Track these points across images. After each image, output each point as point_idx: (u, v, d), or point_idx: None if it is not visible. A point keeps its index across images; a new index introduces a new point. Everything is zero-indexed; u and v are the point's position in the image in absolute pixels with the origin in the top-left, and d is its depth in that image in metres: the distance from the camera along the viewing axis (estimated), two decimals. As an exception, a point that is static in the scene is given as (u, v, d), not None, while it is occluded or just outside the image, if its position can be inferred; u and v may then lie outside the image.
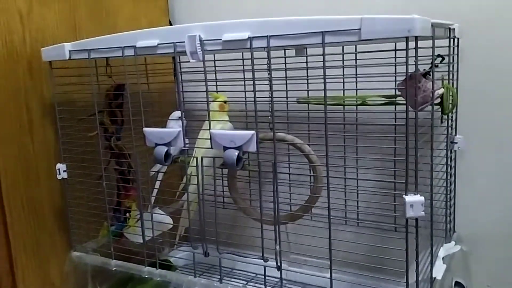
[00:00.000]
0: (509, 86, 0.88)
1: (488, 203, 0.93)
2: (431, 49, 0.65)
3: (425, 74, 0.67)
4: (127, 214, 0.93)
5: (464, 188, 0.93)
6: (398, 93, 0.76)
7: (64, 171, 0.89)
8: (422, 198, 0.58)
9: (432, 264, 0.69)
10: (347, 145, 0.88)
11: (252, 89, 0.68)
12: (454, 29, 0.80)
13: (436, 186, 0.80)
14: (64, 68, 0.86)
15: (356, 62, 0.84)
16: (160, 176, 0.89)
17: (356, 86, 0.87)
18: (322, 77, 0.63)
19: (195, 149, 0.83)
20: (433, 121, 0.66)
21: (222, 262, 0.82)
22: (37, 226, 0.90)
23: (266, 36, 0.64)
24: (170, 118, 0.89)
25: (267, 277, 0.81)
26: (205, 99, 0.74)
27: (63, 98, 0.88)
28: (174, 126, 0.82)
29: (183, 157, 0.84)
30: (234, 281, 1.00)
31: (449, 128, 0.85)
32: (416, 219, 0.60)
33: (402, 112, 0.82)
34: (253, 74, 0.68)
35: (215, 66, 0.93)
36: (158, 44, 0.73)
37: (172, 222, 0.91)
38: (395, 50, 0.80)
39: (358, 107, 0.86)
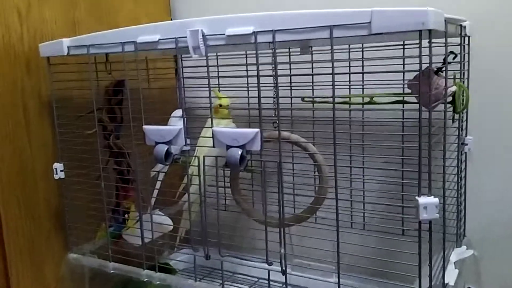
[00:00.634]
0: (521, 86, 0.85)
1: (499, 207, 0.90)
2: (439, 46, 0.62)
3: (437, 71, 0.64)
4: (126, 215, 0.90)
5: (473, 191, 0.90)
6: (407, 91, 0.74)
7: (62, 170, 0.86)
8: (437, 199, 0.55)
9: (444, 269, 0.66)
10: (354, 145, 0.85)
11: (256, 88, 0.66)
12: (465, 26, 0.77)
13: (447, 189, 0.77)
14: (62, 64, 0.84)
15: (362, 57, 0.81)
16: (161, 176, 0.86)
17: (363, 84, 0.85)
18: (328, 74, 0.61)
19: (196, 148, 0.80)
20: (446, 120, 0.63)
21: (223, 266, 0.79)
22: (33, 227, 0.87)
23: (272, 31, 0.61)
24: (172, 116, 0.86)
25: (270, 282, 0.79)
26: (207, 97, 0.72)
27: (61, 95, 0.86)
28: (176, 125, 0.80)
29: (184, 157, 0.82)
30: (235, 286, 0.97)
31: (459, 129, 0.82)
32: (430, 222, 0.57)
33: (411, 111, 0.80)
34: (258, 71, 0.65)
35: (217, 65, 0.91)
36: (159, 39, 0.70)
37: (172, 224, 0.89)
38: (404, 45, 0.79)
39: (365, 105, 0.83)
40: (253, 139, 0.66)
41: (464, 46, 0.79)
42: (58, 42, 0.79)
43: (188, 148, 0.81)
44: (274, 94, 0.73)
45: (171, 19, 1.17)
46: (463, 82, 0.80)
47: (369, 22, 0.54)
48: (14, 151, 0.83)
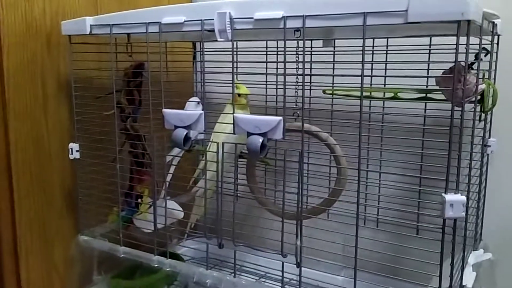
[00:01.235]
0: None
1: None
2: (472, 44, 0.60)
3: (469, 67, 0.62)
4: (139, 200, 0.89)
5: (492, 194, 0.88)
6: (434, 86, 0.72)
7: (77, 151, 0.85)
8: (464, 198, 0.54)
9: (463, 270, 0.65)
10: (373, 136, 0.84)
11: (275, 77, 0.65)
12: (497, 24, 0.75)
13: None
14: (83, 44, 0.83)
15: (387, 51, 0.79)
16: (176, 161, 0.85)
17: (385, 79, 0.83)
18: (352, 68, 0.59)
19: (213, 134, 0.79)
20: (475, 118, 0.62)
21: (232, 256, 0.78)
22: (45, 205, 0.86)
23: (302, 16, 0.60)
24: (189, 100, 0.85)
25: (280, 274, 0.77)
26: (228, 81, 0.70)
27: (80, 75, 0.85)
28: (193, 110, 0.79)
29: (200, 145, 0.81)
30: (245, 275, 0.96)
31: (484, 130, 0.80)
32: (455, 220, 0.55)
33: (435, 107, 0.79)
34: (285, 57, 0.64)
35: (237, 49, 0.89)
36: (185, 21, 0.69)
37: (183, 213, 0.88)
38: (430, 39, 0.77)
39: (388, 100, 0.82)
40: (276, 127, 0.65)
41: (494, 44, 0.77)
42: (81, 20, 0.78)
43: (202, 136, 0.80)
44: (296, 84, 0.71)
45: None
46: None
47: (406, 10, 0.52)
48: (32, 128, 0.83)
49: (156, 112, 0.75)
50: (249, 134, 0.66)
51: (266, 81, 0.84)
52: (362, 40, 0.57)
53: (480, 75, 0.72)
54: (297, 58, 0.69)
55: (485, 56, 0.71)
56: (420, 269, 0.61)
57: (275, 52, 0.88)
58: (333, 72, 0.84)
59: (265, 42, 0.92)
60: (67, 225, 0.91)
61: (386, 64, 0.77)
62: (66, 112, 0.88)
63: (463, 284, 0.65)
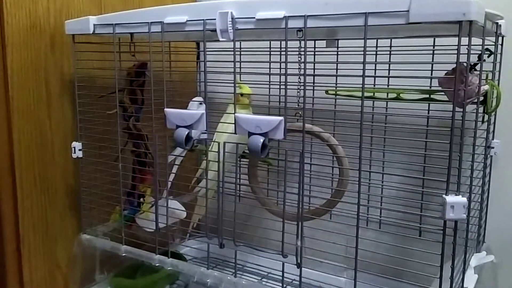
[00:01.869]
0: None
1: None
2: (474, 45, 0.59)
3: (471, 68, 0.62)
4: (141, 199, 0.89)
5: (495, 196, 0.88)
6: (436, 87, 0.72)
7: (80, 150, 0.86)
8: (465, 199, 0.53)
9: (464, 273, 0.64)
10: (376, 137, 0.84)
11: (278, 77, 0.64)
12: (500, 25, 0.75)
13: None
14: (86, 43, 0.83)
15: (390, 52, 0.79)
16: (178, 161, 0.85)
17: (388, 79, 0.83)
18: (355, 68, 0.59)
19: (215, 134, 0.79)
20: (477, 119, 0.61)
21: (234, 256, 0.78)
22: (48, 204, 0.87)
23: (303, 16, 0.60)
24: (192, 100, 0.85)
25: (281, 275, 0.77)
26: (230, 81, 0.70)
27: (84, 74, 0.86)
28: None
29: (201, 145, 0.81)
30: (247, 276, 0.96)
31: (488, 131, 0.80)
32: (455, 222, 0.55)
33: (437, 107, 0.78)
34: (286, 57, 0.64)
35: (240, 49, 0.89)
36: (187, 20, 0.69)
37: (185, 213, 0.88)
38: (434, 39, 0.76)
39: (391, 101, 0.81)
40: (277, 127, 0.65)
41: (498, 45, 0.76)
42: (84, 19, 0.79)
43: (205, 136, 0.80)
44: (298, 84, 0.71)
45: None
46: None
47: (407, 11, 0.52)
48: (35, 126, 0.83)
49: (159, 111, 0.75)
50: (250, 134, 0.66)
51: (269, 82, 0.84)
52: (363, 41, 0.57)
53: (484, 76, 0.71)
54: (299, 58, 0.69)
55: (488, 57, 0.71)
56: (422, 271, 0.61)
57: (278, 53, 0.89)
58: (336, 73, 0.84)
59: (268, 42, 0.92)
60: (69, 224, 0.91)
61: (389, 64, 0.77)
62: (69, 111, 0.89)
63: (464, 286, 0.65)
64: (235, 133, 0.68)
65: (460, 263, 0.64)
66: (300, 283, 0.69)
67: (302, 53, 0.64)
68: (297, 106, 0.75)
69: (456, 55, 0.54)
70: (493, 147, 0.82)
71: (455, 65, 0.56)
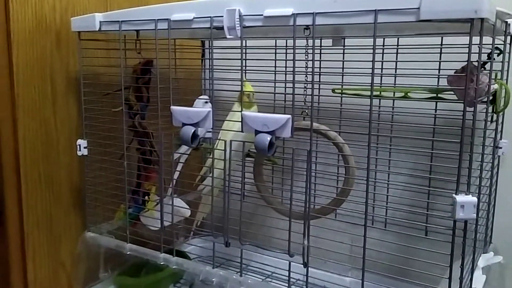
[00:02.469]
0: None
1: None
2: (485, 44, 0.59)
3: (482, 66, 0.61)
4: (146, 197, 0.89)
5: (503, 197, 0.87)
6: (444, 86, 0.71)
7: (85, 147, 0.85)
8: (475, 199, 0.53)
9: (472, 273, 0.64)
10: (382, 135, 0.83)
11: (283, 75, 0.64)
12: (510, 24, 0.74)
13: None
14: (92, 40, 0.83)
15: (397, 49, 0.79)
16: (183, 159, 0.84)
17: (395, 77, 0.82)
18: (361, 67, 0.59)
19: (221, 132, 0.79)
20: (487, 118, 0.61)
21: (238, 255, 0.77)
22: (52, 201, 0.87)
23: (312, 13, 0.59)
24: (197, 98, 0.84)
25: (286, 274, 0.77)
26: (235, 80, 0.70)
27: (89, 71, 0.85)
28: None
29: (207, 143, 0.80)
30: (251, 275, 0.95)
31: (496, 131, 0.79)
32: (465, 222, 0.55)
33: (446, 106, 0.78)
34: (294, 55, 0.63)
35: (245, 47, 0.89)
36: (194, 18, 0.69)
37: (189, 211, 0.87)
38: (442, 38, 0.76)
39: (398, 99, 0.81)
40: (284, 126, 0.64)
41: (507, 44, 0.75)
42: (90, 16, 0.78)
43: (210, 135, 0.80)
44: (305, 83, 0.71)
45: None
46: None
47: (418, 8, 0.52)
48: (40, 124, 0.83)
49: (164, 109, 0.75)
50: (257, 132, 0.66)
51: (275, 80, 0.84)
52: (372, 38, 0.57)
53: (493, 75, 0.70)
54: (306, 57, 0.68)
55: (497, 56, 0.70)
56: (428, 271, 0.60)
57: (284, 51, 0.88)
58: (343, 71, 0.84)
59: (274, 40, 0.92)
60: (74, 222, 0.91)
61: (396, 63, 0.76)
62: (75, 108, 0.88)
63: (473, 287, 0.64)
64: (241, 131, 0.67)
65: (468, 263, 0.63)
66: (307, 283, 0.69)
67: (309, 51, 0.63)
68: (303, 105, 0.75)
69: (464, 53, 0.53)
70: (501, 147, 0.82)
71: (463, 63, 0.56)
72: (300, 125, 0.76)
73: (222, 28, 0.66)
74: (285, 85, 0.74)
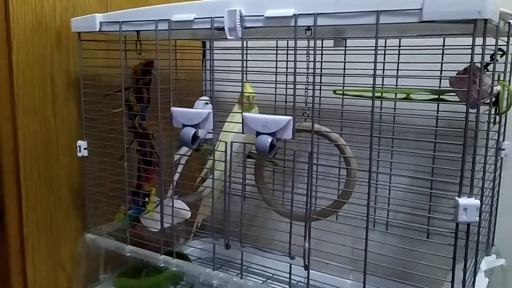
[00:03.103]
0: None
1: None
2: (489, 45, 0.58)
3: (485, 67, 0.61)
4: (146, 199, 0.88)
5: (505, 199, 0.86)
6: (446, 88, 0.70)
7: (85, 148, 0.85)
8: (478, 201, 0.52)
9: (475, 276, 0.63)
10: (384, 137, 0.83)
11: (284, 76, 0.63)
12: (512, 25, 0.73)
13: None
14: (92, 41, 0.82)
15: (399, 51, 0.78)
16: (183, 160, 0.84)
17: (397, 78, 0.82)
18: (363, 68, 0.58)
19: (222, 133, 0.78)
20: (490, 120, 0.60)
21: (239, 257, 0.77)
22: (52, 202, 0.86)
23: (313, 14, 0.59)
24: (198, 99, 0.84)
25: (287, 276, 0.76)
26: (235, 81, 0.69)
27: (89, 72, 0.85)
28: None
29: (207, 145, 0.80)
30: (252, 277, 0.95)
31: (499, 133, 0.78)
32: (468, 225, 0.54)
33: (447, 108, 0.77)
34: (295, 56, 0.63)
35: (246, 48, 0.89)
36: (195, 18, 0.68)
37: (190, 213, 0.87)
38: (444, 39, 0.75)
39: (400, 101, 0.80)
40: (285, 127, 0.64)
41: (510, 46, 0.75)
42: (90, 17, 0.78)
43: (210, 136, 0.79)
44: (306, 84, 0.70)
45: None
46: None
47: (421, 9, 0.51)
48: (40, 125, 0.83)
49: (165, 110, 0.74)
50: (258, 133, 0.65)
51: (276, 81, 0.83)
52: (374, 39, 0.56)
53: (496, 77, 0.70)
54: (307, 58, 0.68)
55: (500, 57, 0.70)
56: (430, 274, 0.60)
57: (285, 52, 0.88)
58: (344, 72, 0.83)
59: (275, 41, 0.91)
60: (74, 223, 0.91)
61: (398, 64, 0.76)
62: (75, 109, 0.88)
63: (476, 290, 0.64)
64: (242, 132, 0.67)
65: (471, 266, 0.63)
66: (308, 285, 0.68)
67: (311, 52, 0.63)
68: (304, 106, 0.75)
69: (467, 55, 0.53)
70: (503, 149, 0.81)
71: (465, 65, 0.55)
72: (302, 126, 0.76)
73: (222, 28, 0.66)
74: (286, 86, 0.73)
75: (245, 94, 0.78)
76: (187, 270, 0.79)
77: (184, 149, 0.85)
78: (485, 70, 0.65)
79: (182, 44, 0.98)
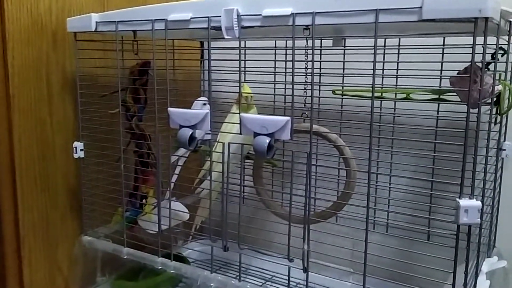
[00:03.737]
0: None
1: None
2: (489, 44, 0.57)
3: (486, 66, 0.60)
4: (144, 201, 0.87)
5: (507, 200, 0.85)
6: (447, 87, 0.70)
7: (81, 150, 0.84)
8: (479, 203, 0.51)
9: (476, 278, 0.62)
10: (383, 137, 0.82)
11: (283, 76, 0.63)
12: (513, 24, 0.73)
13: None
14: (88, 41, 0.81)
15: (399, 51, 0.77)
16: (181, 161, 0.83)
17: (397, 78, 0.81)
18: (362, 68, 0.57)
19: (220, 134, 0.77)
20: (491, 120, 0.59)
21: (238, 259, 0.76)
22: (48, 204, 0.85)
23: (312, 13, 0.58)
24: (196, 100, 0.83)
25: (286, 279, 0.75)
26: (234, 82, 0.69)
27: (86, 72, 0.84)
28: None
29: (205, 146, 0.79)
30: (250, 279, 0.94)
31: (500, 133, 0.77)
32: (469, 226, 0.53)
33: (448, 108, 0.76)
34: (293, 56, 0.62)
35: (245, 48, 0.88)
36: (191, 18, 0.67)
37: (188, 215, 0.86)
38: (444, 38, 0.74)
39: (400, 101, 0.80)
40: (283, 128, 0.63)
41: (511, 45, 0.74)
42: (86, 17, 0.77)
43: (209, 137, 0.78)
44: (305, 84, 0.70)
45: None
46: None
47: (420, 7, 0.50)
48: (36, 125, 0.82)
49: (162, 111, 0.73)
50: (255, 134, 0.64)
51: (275, 81, 0.82)
52: (373, 39, 0.55)
53: (497, 76, 0.69)
54: (306, 57, 0.67)
55: (502, 56, 0.69)
56: (431, 276, 0.59)
57: (284, 52, 0.87)
58: (344, 72, 0.82)
59: (274, 41, 0.90)
60: (70, 225, 0.90)
61: (398, 64, 0.75)
62: (71, 110, 0.87)
63: (477, 292, 0.63)
64: (240, 133, 0.66)
65: (472, 268, 0.62)
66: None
67: (309, 52, 0.62)
68: (303, 106, 0.74)
69: (468, 54, 0.52)
70: (504, 149, 0.80)
71: (466, 64, 0.54)
72: (300, 127, 0.75)
73: (220, 28, 0.65)
74: (285, 86, 0.72)
75: (244, 94, 0.77)
76: (184, 272, 0.78)
77: (182, 151, 0.84)
78: (486, 69, 0.64)
79: (180, 44, 0.97)
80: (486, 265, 0.72)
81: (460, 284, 0.57)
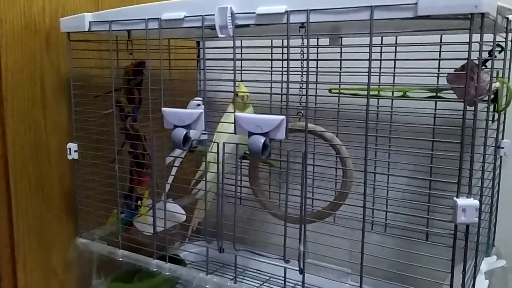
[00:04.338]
0: None
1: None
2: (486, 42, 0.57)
3: (483, 63, 0.59)
4: (139, 202, 0.86)
5: (505, 199, 0.85)
6: (444, 85, 0.69)
7: (75, 151, 0.83)
8: (477, 202, 0.51)
9: (475, 278, 0.62)
10: (381, 136, 0.81)
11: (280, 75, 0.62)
12: (511, 20, 0.72)
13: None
14: (82, 41, 0.81)
15: (396, 49, 0.77)
16: (177, 162, 0.82)
17: (394, 76, 0.80)
18: (359, 66, 0.57)
19: (215, 134, 0.77)
20: (488, 118, 0.58)
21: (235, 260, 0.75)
22: (43, 207, 0.85)
23: (306, 10, 0.57)
24: (192, 100, 0.82)
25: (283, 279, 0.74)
26: (231, 81, 0.68)
27: (79, 73, 0.83)
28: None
29: (201, 146, 0.78)
30: (247, 281, 0.93)
31: (497, 130, 0.77)
32: (467, 226, 0.52)
33: (445, 106, 0.76)
34: (288, 55, 0.61)
35: (241, 47, 0.87)
36: (185, 16, 0.67)
37: (185, 216, 0.85)
38: (441, 35, 0.74)
39: (397, 99, 0.79)
40: (278, 127, 0.62)
41: (509, 41, 0.73)
42: (79, 16, 0.77)
43: (205, 137, 0.78)
44: (301, 83, 0.69)
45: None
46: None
47: (416, 3, 0.49)
48: (30, 127, 0.81)
49: (157, 111, 0.72)
50: (250, 134, 0.63)
51: (271, 80, 0.81)
52: (369, 36, 0.55)
53: (494, 73, 0.68)
54: (301, 56, 0.66)
55: (499, 53, 0.68)
56: (429, 276, 0.58)
57: (280, 50, 0.86)
58: (340, 70, 0.82)
59: (269, 40, 0.90)
60: (65, 228, 0.89)
61: (395, 61, 0.74)
62: (65, 111, 0.86)
63: (476, 292, 0.62)
64: (235, 133, 0.65)
65: (470, 268, 0.61)
66: (303, 289, 0.67)
67: (305, 50, 0.61)
68: (299, 105, 0.73)
69: (465, 51, 0.51)
70: (503, 147, 0.79)
71: (463, 61, 0.54)
72: (296, 126, 0.74)
73: (214, 27, 0.64)
74: (282, 85, 0.72)
75: (240, 93, 0.77)
76: (180, 274, 0.77)
77: (177, 151, 0.84)
78: (484, 66, 0.64)
79: (177, 44, 0.96)
80: (485, 265, 0.71)
81: (458, 284, 0.56)
